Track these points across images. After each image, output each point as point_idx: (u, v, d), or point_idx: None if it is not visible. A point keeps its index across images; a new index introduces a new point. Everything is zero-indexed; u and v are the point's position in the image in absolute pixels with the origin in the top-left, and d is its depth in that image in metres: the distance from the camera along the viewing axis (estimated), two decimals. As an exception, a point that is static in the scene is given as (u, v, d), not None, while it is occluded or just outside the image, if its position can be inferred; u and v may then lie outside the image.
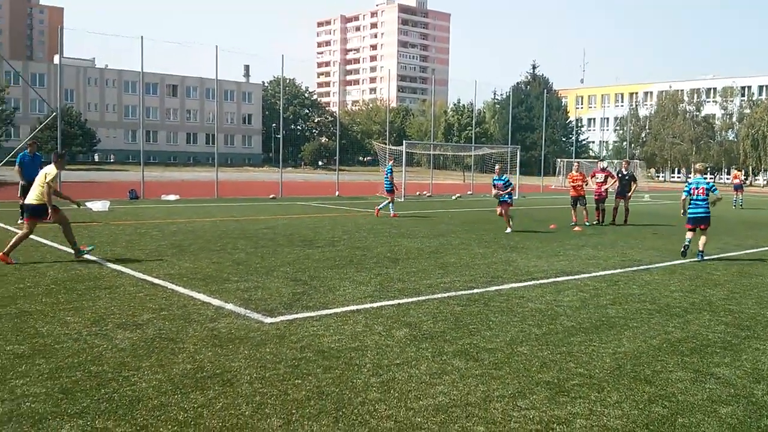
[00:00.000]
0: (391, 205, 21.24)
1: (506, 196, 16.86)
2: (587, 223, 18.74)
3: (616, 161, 60.89)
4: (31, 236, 13.56)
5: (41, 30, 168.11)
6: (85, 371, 5.24)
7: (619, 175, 20.00)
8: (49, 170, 10.80)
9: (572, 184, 19.36)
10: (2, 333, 6.27)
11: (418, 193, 36.25)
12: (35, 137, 24.34)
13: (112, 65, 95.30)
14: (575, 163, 20.03)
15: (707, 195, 12.42)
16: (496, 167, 17.27)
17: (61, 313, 7.09)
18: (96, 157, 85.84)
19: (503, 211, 16.80)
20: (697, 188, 12.46)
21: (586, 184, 19.08)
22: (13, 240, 10.58)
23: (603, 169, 20.10)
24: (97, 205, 20.67)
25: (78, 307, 7.38)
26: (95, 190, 31.39)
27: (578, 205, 18.92)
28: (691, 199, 12.49)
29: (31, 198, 10.83)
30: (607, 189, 19.57)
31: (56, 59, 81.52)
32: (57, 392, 4.77)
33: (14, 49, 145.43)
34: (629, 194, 19.73)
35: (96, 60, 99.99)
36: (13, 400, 4.59)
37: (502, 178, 16.96)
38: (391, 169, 21.97)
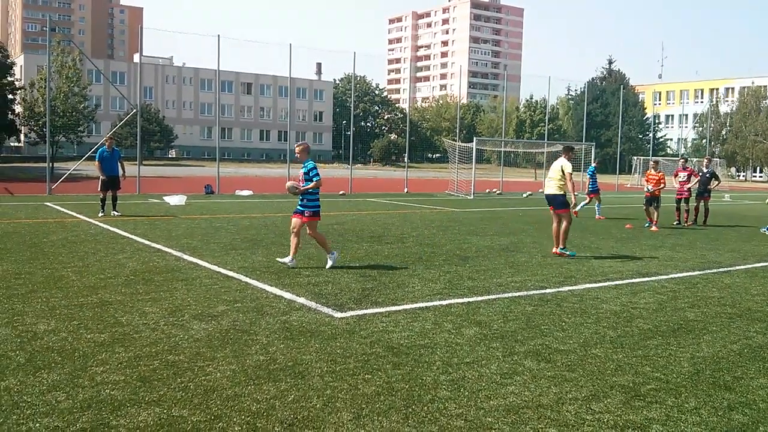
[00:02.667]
0: (598, 206, 20.83)
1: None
2: (648, 224, 17.81)
3: (695, 159, 58.95)
4: (112, 228, 14.09)
5: (122, 30, 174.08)
6: (162, 360, 5.39)
7: (699, 174, 19.33)
8: (566, 163, 11.96)
9: (649, 184, 18.28)
10: (83, 322, 6.51)
11: (488, 191, 35.95)
12: (114, 133, 25.22)
13: (189, 63, 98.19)
14: (651, 161, 19.18)
15: None
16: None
17: (139, 304, 7.32)
18: (173, 153, 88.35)
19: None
20: None
21: (663, 185, 18.14)
22: (562, 234, 11.76)
23: (685, 168, 19.38)
24: (174, 200, 21.29)
25: (156, 298, 7.61)
26: (172, 185, 32.35)
27: (652, 206, 18.08)
28: None
29: (551, 188, 12.06)
30: (690, 188, 18.89)
31: (136, 58, 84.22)
32: (135, 380, 4.92)
33: (96, 49, 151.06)
34: (711, 188, 19.05)
35: (174, 58, 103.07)
36: (93, 387, 4.76)
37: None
38: (594, 169, 21.41)
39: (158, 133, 79.55)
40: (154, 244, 11.93)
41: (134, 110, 30.67)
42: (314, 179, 10.04)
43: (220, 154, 31.08)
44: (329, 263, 9.90)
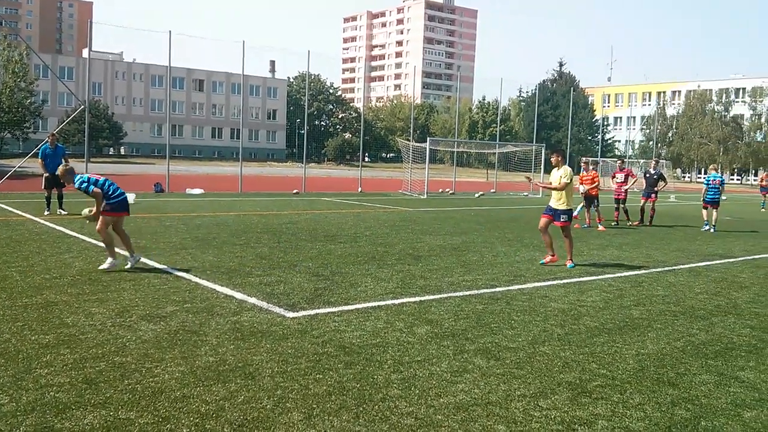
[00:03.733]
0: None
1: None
2: (589, 225, 18.00)
3: (642, 161, 60.27)
4: (58, 227, 13.77)
5: (70, 24, 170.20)
6: (108, 362, 5.30)
7: (647, 175, 19.71)
8: (566, 171, 10.89)
9: (584, 185, 18.36)
10: (28, 323, 6.36)
11: (441, 191, 36.18)
12: (61, 130, 24.65)
13: (140, 59, 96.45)
14: (582, 163, 19.12)
15: (719, 186, 18.38)
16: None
17: (86, 304, 7.17)
18: (122, 151, 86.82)
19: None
20: (714, 180, 18.53)
21: (598, 184, 18.33)
22: (569, 248, 11.07)
23: (622, 169, 19.70)
24: (123, 198, 20.87)
25: (102, 299, 7.47)
26: (121, 183, 31.68)
27: (591, 207, 18.28)
28: (708, 188, 18.43)
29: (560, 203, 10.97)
30: (627, 189, 19.18)
31: (85, 53, 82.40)
32: (81, 382, 4.82)
33: (44, 43, 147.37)
34: (658, 190, 19.42)
35: (124, 54, 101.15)
36: (37, 390, 4.65)
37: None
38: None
39: (107, 130, 78.10)
40: (101, 244, 11.62)
41: (82, 106, 30.04)
42: (89, 191, 9.45)
43: (170, 152, 30.60)
44: (128, 264, 9.40)
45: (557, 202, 10.94)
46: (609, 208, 20.24)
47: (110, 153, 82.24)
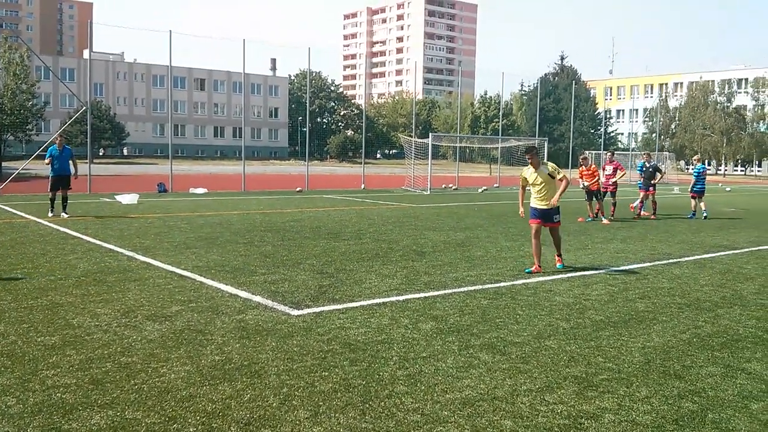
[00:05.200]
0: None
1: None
2: (590, 219, 17.97)
3: (645, 153, 60.09)
4: (62, 228, 13.80)
5: (71, 25, 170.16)
6: (114, 362, 5.31)
7: (642, 169, 19.65)
8: (549, 166, 9.99)
9: (585, 179, 18.29)
10: (34, 324, 6.37)
11: (444, 186, 36.16)
12: (65, 131, 24.68)
13: (141, 59, 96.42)
14: (581, 158, 18.94)
15: (705, 176, 19.51)
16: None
17: (91, 305, 7.19)
18: (125, 151, 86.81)
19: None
20: (703, 171, 19.62)
21: (598, 178, 18.21)
22: (558, 246, 10.27)
23: (612, 161, 19.55)
24: (126, 198, 20.92)
25: (108, 299, 7.48)
26: (124, 184, 31.78)
27: (594, 199, 18.23)
28: (697, 179, 19.33)
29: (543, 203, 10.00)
30: (615, 181, 18.94)
31: (86, 54, 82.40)
32: (87, 383, 4.83)
33: (44, 45, 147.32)
34: (655, 182, 19.39)
35: (125, 54, 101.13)
36: (44, 391, 4.66)
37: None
38: (643, 165, 20.58)
39: (109, 131, 78.06)
40: (105, 244, 11.72)
41: (84, 107, 30.05)
42: None
43: (173, 152, 30.64)
44: None
45: (541, 202, 9.95)
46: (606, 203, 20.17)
47: (114, 153, 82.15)
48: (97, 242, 11.95)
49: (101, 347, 5.69)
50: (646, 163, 19.96)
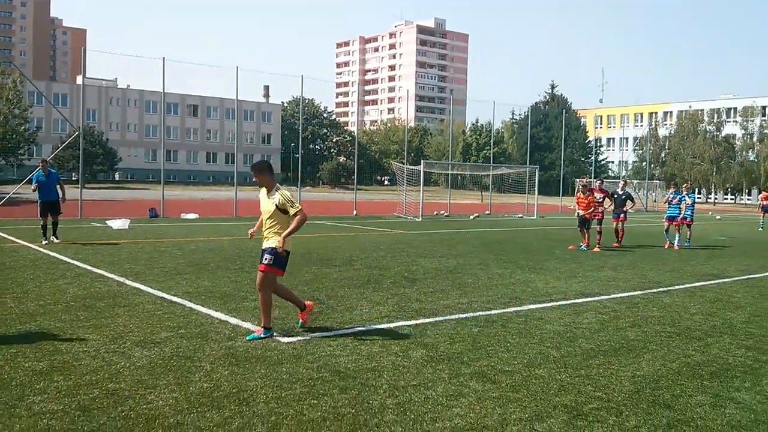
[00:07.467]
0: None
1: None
2: (583, 247, 17.79)
3: (635, 181, 60.50)
4: (52, 253, 13.73)
5: (64, 51, 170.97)
6: (102, 388, 5.27)
7: (614, 196, 19.59)
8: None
9: (580, 208, 18.26)
10: (21, 350, 6.32)
11: (435, 213, 36.22)
12: (57, 156, 24.65)
13: (134, 85, 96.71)
14: (579, 185, 19.19)
15: (680, 203, 19.53)
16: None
17: (80, 331, 7.14)
18: (117, 176, 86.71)
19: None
20: (675, 198, 19.59)
21: (594, 208, 18.19)
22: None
23: (602, 189, 19.55)
24: (117, 224, 20.86)
25: (97, 325, 7.43)
26: (116, 209, 31.71)
27: (585, 227, 18.05)
28: (670, 205, 19.63)
29: None
30: (603, 210, 18.92)
31: (79, 79, 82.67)
32: (74, 409, 4.79)
33: (38, 70, 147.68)
34: (626, 210, 19.36)
35: (118, 80, 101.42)
36: (30, 417, 4.62)
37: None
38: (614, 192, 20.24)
39: (101, 156, 78.03)
40: (95, 270, 11.67)
41: (76, 132, 30.07)
42: None
43: (165, 177, 30.62)
44: None
45: (266, 239, 7.31)
46: (607, 230, 20.22)
47: (105, 178, 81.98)
48: (88, 267, 11.89)
49: (89, 373, 5.65)
50: (618, 190, 19.90)
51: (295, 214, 7.19)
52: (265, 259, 7.15)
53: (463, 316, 8.50)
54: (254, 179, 7.45)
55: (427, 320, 8.17)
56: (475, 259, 14.82)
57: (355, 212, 33.92)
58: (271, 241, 7.20)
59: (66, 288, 9.78)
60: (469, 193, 76.00)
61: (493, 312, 8.82)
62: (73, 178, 74.34)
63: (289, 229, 7.18)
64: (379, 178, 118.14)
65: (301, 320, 7.64)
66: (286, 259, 7.29)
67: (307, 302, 7.78)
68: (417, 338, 7.21)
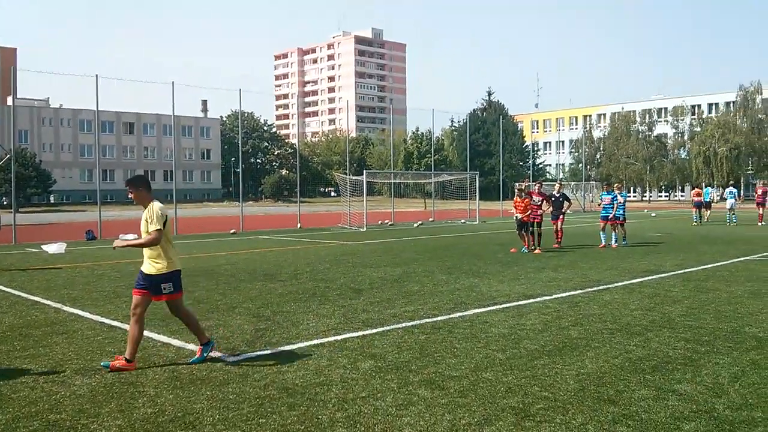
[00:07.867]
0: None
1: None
2: (524, 249, 18.13)
3: (573, 183, 61.87)
4: (-15, 282, 13.24)
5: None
6: (42, 420, 5.09)
7: (552, 198, 19.98)
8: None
9: (518, 211, 18.60)
10: (-46, 385, 6.07)
11: (380, 222, 36.30)
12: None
13: (67, 105, 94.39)
14: (516, 189, 19.58)
15: (612, 203, 19.85)
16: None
17: (17, 361, 6.90)
18: (51, 199, 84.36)
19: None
20: (607, 197, 20.17)
21: (531, 211, 18.49)
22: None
23: (540, 193, 19.90)
24: (53, 248, 20.19)
25: (35, 354, 7.19)
26: (51, 232, 30.79)
27: (524, 230, 18.34)
28: (604, 206, 20.10)
29: None
30: (542, 213, 19.26)
31: (9, 100, 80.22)
32: (12, 444, 4.62)
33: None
34: (564, 211, 19.77)
35: (50, 100, 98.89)
36: (-35, 455, 4.44)
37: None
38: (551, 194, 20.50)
39: (35, 178, 75.91)
40: (31, 297, 11.30)
41: (8, 155, 29.14)
42: None
43: (101, 198, 29.92)
44: None
45: (145, 261, 7.09)
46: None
47: (40, 201, 79.62)
48: (23, 295, 11.51)
49: (28, 405, 5.46)
50: (555, 192, 20.29)
51: (151, 232, 6.72)
52: (164, 289, 6.89)
53: (410, 324, 8.53)
54: (129, 195, 7.08)
55: (375, 330, 8.17)
56: (420, 267, 14.90)
57: (299, 225, 33.74)
58: (148, 266, 6.92)
59: (1, 317, 9.44)
60: (412, 201, 76.45)
61: (439, 318, 8.87)
62: (5, 203, 72.18)
63: (135, 241, 6.84)
64: (323, 189, 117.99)
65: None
66: (179, 278, 7.11)
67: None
68: (365, 349, 7.20)
